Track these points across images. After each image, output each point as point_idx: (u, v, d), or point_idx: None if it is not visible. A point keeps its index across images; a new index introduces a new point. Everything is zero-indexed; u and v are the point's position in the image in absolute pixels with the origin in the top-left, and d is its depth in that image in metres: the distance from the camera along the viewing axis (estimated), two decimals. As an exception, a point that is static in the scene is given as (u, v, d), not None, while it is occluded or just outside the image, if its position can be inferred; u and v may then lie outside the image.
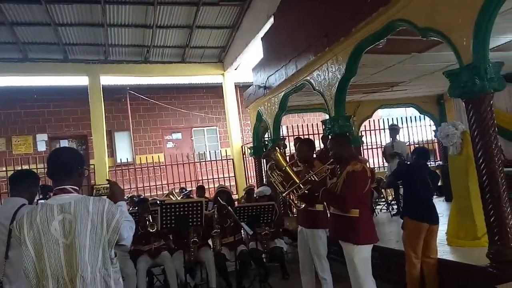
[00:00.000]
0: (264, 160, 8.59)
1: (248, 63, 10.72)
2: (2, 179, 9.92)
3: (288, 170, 3.57)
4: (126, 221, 2.05)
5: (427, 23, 3.60)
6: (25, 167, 9.96)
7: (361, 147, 9.92)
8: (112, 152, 12.43)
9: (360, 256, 2.94)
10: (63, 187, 1.94)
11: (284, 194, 3.46)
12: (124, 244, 2.04)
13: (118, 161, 11.98)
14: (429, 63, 6.16)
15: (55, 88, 11.81)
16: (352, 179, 2.95)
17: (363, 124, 10.09)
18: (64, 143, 12.48)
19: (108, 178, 9.41)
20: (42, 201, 3.24)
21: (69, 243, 1.83)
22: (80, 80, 10.74)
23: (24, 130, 11.96)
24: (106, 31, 9.04)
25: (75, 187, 1.97)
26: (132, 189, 10.21)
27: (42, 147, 12.07)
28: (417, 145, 5.93)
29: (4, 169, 9.79)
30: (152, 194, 10.18)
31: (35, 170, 9.70)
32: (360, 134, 9.87)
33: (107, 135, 10.36)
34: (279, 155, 3.67)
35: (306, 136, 9.45)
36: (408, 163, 6.70)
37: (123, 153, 12.62)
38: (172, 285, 4.70)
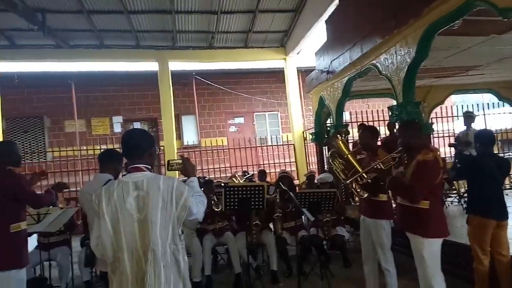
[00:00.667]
0: (326, 147, 8.50)
1: (310, 47, 10.56)
2: (84, 157, 10.90)
3: (350, 158, 3.50)
4: (197, 196, 2.18)
5: (508, 3, 3.29)
6: (103, 146, 10.86)
7: (431, 135, 9.40)
8: (179, 135, 13.06)
9: (429, 250, 2.83)
10: (136, 165, 2.09)
11: (347, 183, 3.40)
12: (196, 217, 2.15)
13: (185, 143, 12.60)
14: (509, 46, 5.63)
15: (128, 74, 12.60)
16: (423, 169, 2.83)
17: (434, 111, 9.53)
18: (137, 125, 13.35)
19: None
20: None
21: (143, 218, 1.96)
22: (150, 66, 11.34)
23: (102, 113, 12.98)
24: (174, 18, 9.39)
25: (147, 166, 2.11)
26: (197, 171, 10.68)
27: (117, 128, 13.04)
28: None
29: (84, 148, 10.74)
30: (215, 176, 10.57)
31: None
32: (430, 121, 9.35)
33: (175, 119, 10.88)
34: (340, 142, 3.61)
35: (370, 123, 9.17)
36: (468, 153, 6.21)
37: (190, 136, 13.20)
38: (235, 264, 4.91)
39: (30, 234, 5.30)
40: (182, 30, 10.12)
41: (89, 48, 10.26)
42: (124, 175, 3.78)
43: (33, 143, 12.49)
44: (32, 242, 5.69)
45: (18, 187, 3.22)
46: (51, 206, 4.72)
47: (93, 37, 9.96)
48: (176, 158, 2.39)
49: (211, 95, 13.78)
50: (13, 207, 3.20)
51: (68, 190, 9.92)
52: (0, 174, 3.18)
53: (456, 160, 6.08)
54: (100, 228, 1.98)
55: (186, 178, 2.41)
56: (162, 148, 10.49)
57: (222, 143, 12.16)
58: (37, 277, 4.69)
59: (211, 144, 11.25)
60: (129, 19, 9.27)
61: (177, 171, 2.45)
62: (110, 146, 10.59)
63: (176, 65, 11.46)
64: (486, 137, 3.82)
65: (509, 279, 3.52)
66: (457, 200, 7.09)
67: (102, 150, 3.87)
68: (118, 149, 10.24)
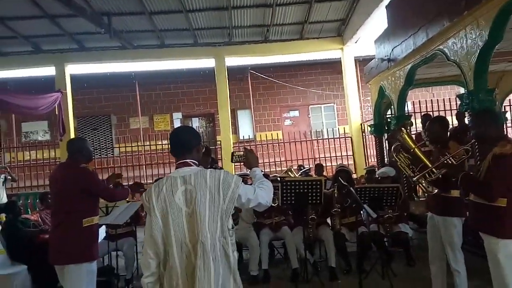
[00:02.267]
0: (387, 141, 8.13)
1: (369, 35, 10.12)
2: (147, 152, 11.46)
3: (418, 152, 3.26)
4: (259, 184, 2.18)
5: None
6: (165, 142, 11.33)
7: (505, 125, 8.61)
8: (235, 129, 13.25)
9: (505, 252, 2.56)
10: (184, 160, 2.11)
11: (414, 179, 3.17)
12: (257, 203, 2.13)
13: (241, 137, 12.75)
14: None
15: (186, 71, 13.00)
16: (500, 164, 2.55)
17: (507, 98, 8.71)
18: (195, 121, 13.77)
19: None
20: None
21: (191, 211, 1.97)
22: (207, 62, 11.59)
23: (163, 109, 13.58)
24: (230, 13, 9.47)
25: (194, 161, 2.13)
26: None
27: (177, 124, 13.57)
28: None
29: (148, 143, 11.28)
30: (271, 170, 10.58)
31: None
32: (503, 110, 8.56)
33: (231, 113, 11.04)
34: (406, 136, 3.38)
35: (435, 113, 8.60)
36: None
37: (245, 130, 13.34)
38: (292, 259, 4.85)
39: (100, 226, 5.69)
40: (238, 25, 10.19)
41: (151, 48, 10.71)
42: (214, 168, 3.99)
43: (102, 139, 13.40)
44: (101, 233, 6.11)
45: (93, 182, 3.41)
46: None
47: (155, 37, 10.38)
48: (239, 151, 2.42)
49: (266, 89, 13.80)
50: (87, 202, 3.38)
51: (126, 184, 10.56)
52: (75, 171, 3.37)
53: None
54: (151, 224, 2.01)
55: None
56: (219, 142, 10.70)
57: (277, 136, 12.14)
58: (105, 266, 4.97)
59: (266, 138, 11.28)
60: (187, 17, 9.51)
61: (241, 163, 2.47)
62: (170, 141, 11.03)
63: (232, 61, 11.60)
64: None
65: None
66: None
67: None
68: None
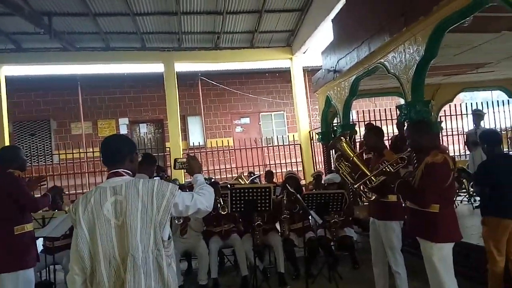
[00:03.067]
0: (328, 149, 8.42)
1: (317, 46, 10.48)
2: (90, 159, 10.92)
3: (356, 160, 3.41)
4: (200, 190, 2.13)
5: (524, -3, 3.20)
6: (109, 149, 10.86)
7: (440, 134, 9.27)
8: (185, 136, 13.05)
9: (440, 255, 2.73)
10: (116, 170, 2.03)
11: (354, 187, 3.31)
12: (197, 209, 2.07)
13: (191, 144, 12.57)
14: (522, 42, 5.52)
15: (134, 75, 12.62)
16: (432, 172, 2.73)
17: (442, 109, 9.40)
18: (143, 127, 13.37)
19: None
20: (157, 178, 3.72)
21: (120, 224, 1.89)
22: (156, 67, 11.34)
23: (108, 115, 13.02)
24: (180, 19, 9.37)
25: (127, 171, 2.05)
26: (203, 172, 10.64)
27: (123, 130, 13.07)
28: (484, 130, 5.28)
29: (91, 150, 10.75)
30: (221, 177, 10.53)
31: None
32: (439, 120, 9.22)
33: (181, 120, 10.87)
34: (345, 144, 3.53)
35: (378, 122, 9.08)
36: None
37: (195, 137, 13.18)
38: (242, 266, 4.85)
39: (36, 238, 5.31)
40: (188, 31, 10.10)
41: (95, 51, 10.29)
42: (160, 176, 3.83)
43: (40, 145, 12.54)
44: (38, 246, 5.71)
45: (18, 190, 3.25)
46: (56, 210, 4.71)
47: (99, 39, 9.98)
48: (182, 157, 2.36)
49: (217, 95, 13.76)
50: (16, 209, 3.24)
51: (66, 193, 10.00)
52: (1, 177, 3.23)
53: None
54: (77, 238, 1.91)
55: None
56: (168, 149, 10.47)
57: (228, 143, 12.12)
58: (42, 281, 4.66)
59: (217, 144, 11.22)
60: (135, 21, 9.27)
61: (183, 170, 2.43)
62: (116, 148, 10.60)
63: (182, 66, 11.44)
64: (492, 137, 3.76)
65: (524, 282, 3.43)
66: (467, 200, 6.96)
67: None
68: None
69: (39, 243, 5.58)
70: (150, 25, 9.67)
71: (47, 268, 4.80)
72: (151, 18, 9.36)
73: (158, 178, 3.70)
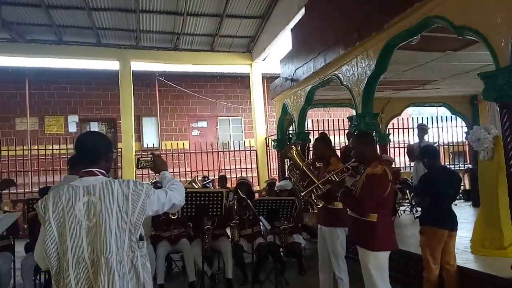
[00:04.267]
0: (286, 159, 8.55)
1: (276, 54, 10.64)
2: (34, 157, 10.32)
3: (305, 169, 3.50)
4: (168, 190, 2.08)
5: (464, 21, 3.45)
6: (56, 147, 10.33)
7: (388, 146, 9.70)
8: (139, 137, 12.69)
9: (376, 263, 2.84)
10: (90, 169, 1.95)
11: (302, 194, 3.39)
12: (172, 204, 2.07)
13: (145, 146, 12.25)
14: (464, 62, 5.93)
15: (87, 72, 12.10)
16: (371, 182, 2.83)
17: (391, 122, 9.85)
18: (94, 126, 12.84)
19: (134, 162, 9.63)
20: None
21: (92, 225, 1.84)
22: (111, 65, 10.99)
23: (56, 111, 12.36)
24: (138, 16, 9.15)
25: (101, 171, 1.98)
26: (156, 175, 10.39)
27: (73, 128, 12.46)
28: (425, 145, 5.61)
29: (36, 147, 10.16)
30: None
31: (65, 151, 10.07)
32: (387, 132, 9.65)
33: (135, 120, 10.57)
34: (295, 153, 3.61)
35: (331, 132, 9.34)
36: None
37: (150, 138, 12.86)
38: (190, 272, 4.77)
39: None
40: (146, 30, 9.89)
41: (47, 44, 9.79)
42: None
43: (-20, 140, 11.67)
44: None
45: None
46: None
47: (51, 32, 9.52)
48: (145, 156, 2.30)
49: (174, 97, 13.52)
50: None
51: (15, 191, 9.39)
52: None
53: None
54: (45, 235, 1.83)
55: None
56: (120, 150, 10.14)
57: (184, 146, 11.95)
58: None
59: (172, 147, 11.00)
60: (90, 15, 8.94)
61: (147, 168, 2.39)
62: (63, 147, 10.09)
63: (138, 65, 11.17)
64: (431, 152, 3.99)
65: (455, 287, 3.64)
66: (409, 210, 7.32)
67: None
68: (72, 150, 9.72)
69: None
70: (106, 20, 9.36)
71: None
72: (108, 13, 9.08)
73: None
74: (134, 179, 2.01)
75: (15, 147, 9.83)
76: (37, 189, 5.58)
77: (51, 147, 10.27)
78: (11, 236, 4.85)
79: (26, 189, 9.82)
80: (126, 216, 1.87)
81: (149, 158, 2.33)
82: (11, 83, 11.77)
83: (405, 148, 8.31)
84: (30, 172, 10.27)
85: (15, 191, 9.59)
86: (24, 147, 10.16)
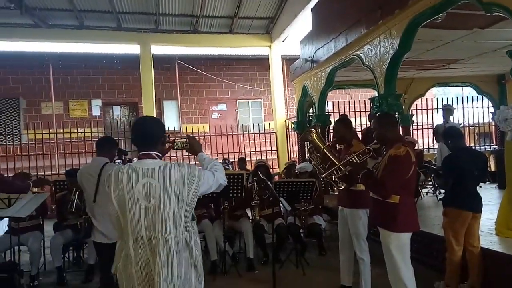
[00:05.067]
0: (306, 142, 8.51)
1: (296, 35, 10.48)
2: (60, 140, 10.62)
3: (325, 151, 3.47)
4: (214, 171, 2.16)
5: (493, -3, 3.30)
6: (81, 130, 10.61)
7: (411, 127, 9.51)
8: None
9: (397, 244, 2.83)
10: (148, 152, 2.05)
11: (323, 176, 3.38)
12: (219, 185, 2.18)
13: (166, 129, 12.39)
14: (491, 40, 5.71)
15: (108, 56, 12.24)
16: (394, 164, 2.80)
17: (414, 103, 9.63)
18: (116, 109, 13.07)
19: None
20: (119, 161, 3.90)
21: (151, 206, 1.95)
22: (132, 49, 11.07)
23: (80, 95, 12.63)
24: (158, 0, 9.15)
25: (158, 154, 2.08)
26: (178, 157, 10.56)
27: (96, 112, 12.73)
28: (450, 127, 5.46)
29: (61, 130, 10.45)
30: (196, 163, 10.46)
31: (89, 134, 10.32)
32: (410, 113, 9.45)
33: (156, 103, 10.70)
34: (315, 136, 3.58)
35: (352, 114, 9.21)
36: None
37: (171, 121, 13.00)
38: (212, 251, 4.88)
39: (1, 219, 5.17)
40: (166, 13, 9.88)
41: (68, 29, 9.93)
42: (122, 159, 3.93)
43: (8, 124, 12.09)
44: (3, 226, 5.56)
45: None
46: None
47: (73, 17, 9.63)
48: (181, 138, 2.35)
49: (194, 80, 13.57)
50: None
51: (42, 173, 9.72)
52: None
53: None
54: (109, 209, 2.04)
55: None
56: (142, 133, 10.29)
57: (204, 129, 12.04)
58: (7, 262, 4.55)
59: (192, 130, 11.10)
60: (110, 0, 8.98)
61: (183, 150, 2.43)
62: (88, 130, 10.36)
63: (158, 49, 11.23)
64: (455, 133, 3.91)
65: (478, 270, 3.60)
66: (432, 192, 7.22)
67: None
68: (96, 133, 9.98)
69: (3, 224, 5.46)
70: (126, 4, 9.40)
71: (12, 249, 4.68)
72: (128, -3, 9.10)
73: (120, 161, 3.67)
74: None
75: (42, 131, 10.14)
76: (63, 171, 5.78)
77: (75, 131, 10.55)
78: (40, 216, 5.06)
79: (53, 171, 10.16)
80: (182, 199, 1.98)
81: (185, 140, 2.38)
82: (35, 69, 12.05)
83: (433, 129, 8.12)
84: (56, 155, 10.59)
85: (43, 172, 9.94)
86: (50, 130, 10.46)
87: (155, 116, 10.15)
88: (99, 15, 9.70)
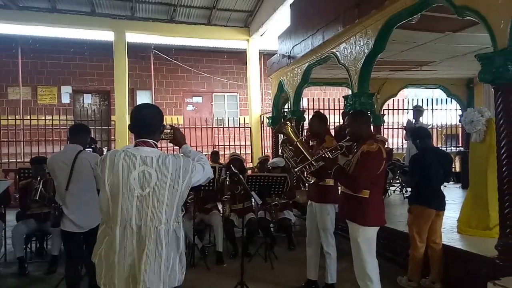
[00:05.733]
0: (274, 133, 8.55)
1: (274, 30, 10.49)
2: (26, 127, 10.22)
3: (299, 145, 3.50)
4: (202, 164, 2.14)
5: (464, 1, 3.40)
6: (49, 117, 10.24)
7: (382, 126, 9.73)
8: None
9: (365, 237, 2.91)
10: (147, 140, 2.02)
11: (295, 170, 3.40)
12: (206, 179, 2.16)
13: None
14: (462, 44, 5.88)
15: (81, 42, 11.85)
16: (366, 160, 2.86)
17: (386, 103, 9.83)
18: (87, 97, 12.69)
19: (128, 135, 9.60)
20: (89, 149, 3.86)
21: (145, 194, 1.91)
22: (106, 35, 10.76)
23: (49, 81, 12.16)
24: (134, -14, 8.93)
25: (156, 143, 2.06)
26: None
27: (66, 99, 12.31)
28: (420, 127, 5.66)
29: (28, 117, 10.06)
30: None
31: (57, 121, 9.98)
32: (382, 113, 9.66)
33: (129, 93, 10.46)
34: (290, 129, 3.59)
35: (327, 111, 9.32)
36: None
37: (144, 112, 12.73)
38: (180, 244, 4.83)
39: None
40: (142, 0, 9.64)
41: (40, 11, 9.56)
42: (92, 148, 3.80)
43: (-29, 108, 11.53)
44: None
45: None
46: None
47: (45, 0, 9.25)
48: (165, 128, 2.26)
49: (169, 71, 13.35)
50: None
51: (6, 160, 9.35)
52: None
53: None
54: (101, 194, 1.98)
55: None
56: (113, 122, 10.07)
57: (178, 121, 11.88)
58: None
59: (166, 122, 10.92)
60: (84, -18, 8.70)
61: (167, 140, 2.34)
62: (56, 117, 10.00)
63: (133, 37, 10.96)
64: (423, 133, 4.03)
65: (439, 265, 3.74)
66: (399, 190, 7.42)
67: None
68: (65, 121, 9.59)
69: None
70: (101, -11, 9.12)
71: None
72: (103, -19, 8.83)
73: (90, 149, 3.58)
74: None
75: (7, 117, 9.71)
76: (29, 159, 5.56)
77: (43, 118, 10.17)
78: (2, 205, 4.86)
79: (18, 159, 9.78)
80: (176, 190, 1.96)
81: (169, 131, 2.30)
82: (3, 51, 11.53)
83: (403, 128, 8.30)
84: (22, 142, 10.19)
85: (7, 160, 9.56)
86: (17, 116, 10.04)
87: (127, 106, 9.95)
88: (72, -2, 9.38)
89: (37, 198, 4.40)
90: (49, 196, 4.59)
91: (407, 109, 10.42)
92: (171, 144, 2.38)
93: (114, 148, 9.90)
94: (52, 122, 10.06)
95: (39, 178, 4.48)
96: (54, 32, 11.24)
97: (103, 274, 1.95)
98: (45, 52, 11.94)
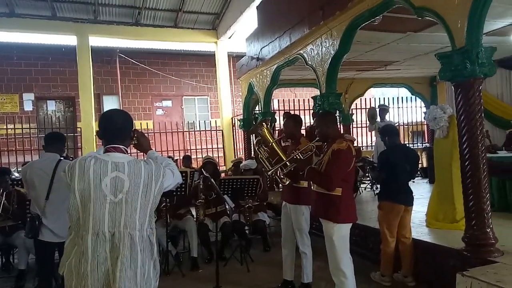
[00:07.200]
0: (254, 135, 8.56)
1: (242, 32, 10.50)
2: (-13, 137, 9.74)
3: (274, 146, 3.52)
4: (171, 169, 2.12)
5: (423, 2, 3.53)
6: (11, 126, 9.80)
7: (351, 125, 9.92)
8: (100, 116, 12.23)
9: (339, 234, 2.97)
10: (117, 146, 1.99)
11: (269, 173, 3.42)
12: (177, 183, 2.17)
13: (106, 125, 11.84)
14: (423, 44, 6.09)
15: (42, 47, 11.44)
16: (337, 158, 2.93)
17: (354, 102, 10.04)
18: (51, 104, 12.24)
19: (95, 142, 9.32)
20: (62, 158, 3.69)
21: (117, 201, 1.89)
22: (68, 40, 10.43)
23: (10, 88, 11.65)
24: (96, -11, 8.71)
25: (126, 148, 2.04)
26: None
27: (28, 106, 11.83)
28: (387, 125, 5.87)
29: (-12, 127, 9.60)
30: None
31: (20, 130, 9.56)
32: (351, 112, 9.85)
33: (95, 98, 10.18)
34: (265, 130, 3.61)
35: (297, 112, 9.41)
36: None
37: (111, 117, 12.42)
38: (154, 251, 4.74)
39: None
40: (105, 3, 9.44)
41: (-4, 16, 9.12)
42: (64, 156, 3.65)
43: None
44: None
45: None
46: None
47: (2, 4, 8.91)
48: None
49: (136, 75, 13.08)
50: None
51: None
52: None
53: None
54: (69, 202, 1.91)
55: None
56: (79, 129, 9.76)
57: (147, 126, 11.65)
58: None
59: (135, 127, 10.70)
60: (43, -14, 8.40)
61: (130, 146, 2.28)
62: (19, 126, 9.58)
63: (98, 41, 10.66)
64: (391, 131, 4.15)
65: (410, 259, 3.85)
66: (370, 187, 7.59)
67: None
68: (28, 129, 9.17)
69: None
70: (62, -8, 8.83)
71: None
72: (63, -15, 8.56)
73: (62, 158, 3.47)
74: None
75: (-35, 126, 9.23)
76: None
77: (5, 126, 9.73)
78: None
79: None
80: (149, 195, 1.95)
81: (132, 135, 2.24)
82: (-42, 58, 10.95)
83: (367, 111, 8.47)
84: (-19, 153, 9.70)
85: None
86: (-25, 126, 9.56)
87: (93, 112, 9.67)
88: (32, 2, 9.05)
89: (-1, 212, 4.20)
90: (13, 209, 4.40)
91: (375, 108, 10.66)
92: (134, 150, 2.32)
93: (82, 154, 9.60)
94: (15, 131, 9.62)
95: (1, 190, 4.27)
96: (14, 37, 10.79)
97: (74, 285, 1.90)
98: (4, 59, 11.43)
